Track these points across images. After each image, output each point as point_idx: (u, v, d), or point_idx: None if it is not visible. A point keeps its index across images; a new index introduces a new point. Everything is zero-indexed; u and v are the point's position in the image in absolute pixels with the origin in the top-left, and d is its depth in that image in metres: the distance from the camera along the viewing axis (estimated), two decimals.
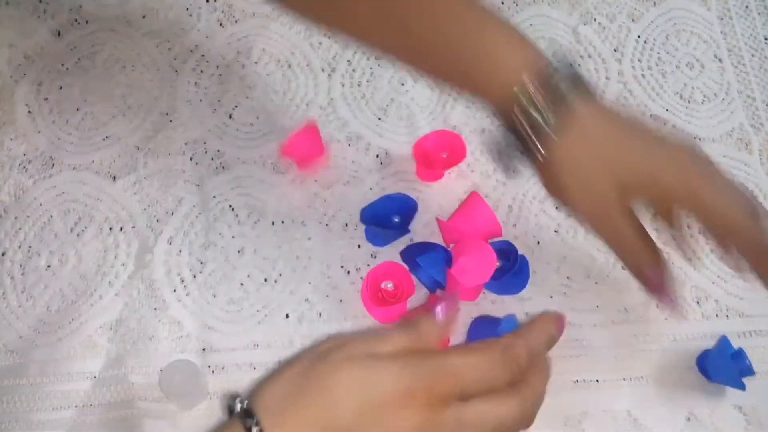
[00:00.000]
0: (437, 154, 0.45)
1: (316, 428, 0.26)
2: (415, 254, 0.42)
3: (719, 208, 0.32)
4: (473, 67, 0.34)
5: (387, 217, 0.44)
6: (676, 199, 0.33)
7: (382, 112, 0.49)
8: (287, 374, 0.28)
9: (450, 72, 0.35)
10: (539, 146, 0.33)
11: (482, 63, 0.34)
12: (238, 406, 0.27)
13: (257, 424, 0.26)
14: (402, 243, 0.45)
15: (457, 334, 0.42)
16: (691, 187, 0.32)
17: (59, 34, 0.52)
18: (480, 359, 0.28)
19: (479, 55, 0.34)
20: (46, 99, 0.50)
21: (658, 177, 0.33)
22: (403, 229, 0.44)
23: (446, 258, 0.42)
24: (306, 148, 0.45)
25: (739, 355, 0.40)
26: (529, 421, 0.29)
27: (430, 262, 0.41)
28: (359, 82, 0.51)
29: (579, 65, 0.35)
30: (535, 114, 0.32)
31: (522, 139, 0.34)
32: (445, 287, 0.42)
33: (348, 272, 0.44)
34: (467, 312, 0.43)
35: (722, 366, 0.39)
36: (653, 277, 0.35)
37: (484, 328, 0.41)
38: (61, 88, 0.50)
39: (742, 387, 0.39)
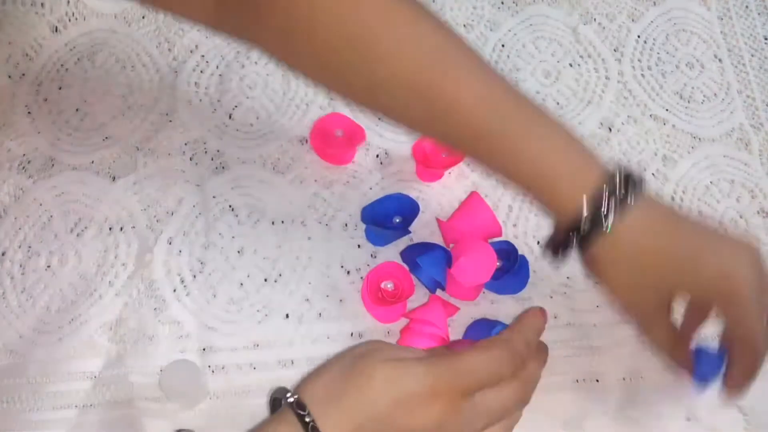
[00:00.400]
0: (437, 154, 0.45)
1: (358, 418, 0.31)
2: (415, 254, 0.42)
3: (751, 321, 0.33)
4: (534, 182, 0.34)
5: (387, 217, 0.44)
6: (718, 300, 0.34)
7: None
8: (330, 372, 0.33)
9: (509, 178, 0.35)
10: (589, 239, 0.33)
11: (544, 180, 0.34)
12: (291, 399, 0.31)
13: (309, 414, 0.30)
14: (402, 243, 0.45)
15: (455, 335, 0.42)
16: (739, 292, 0.33)
17: (57, 30, 0.52)
18: (490, 357, 0.33)
19: (541, 172, 0.33)
20: (46, 99, 0.50)
21: (708, 276, 0.33)
22: (403, 229, 0.44)
23: (446, 258, 0.42)
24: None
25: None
26: (527, 399, 0.35)
27: (430, 262, 0.41)
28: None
29: (640, 172, 0.35)
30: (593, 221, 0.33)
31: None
32: (444, 287, 0.42)
33: (348, 272, 0.44)
34: (467, 312, 0.43)
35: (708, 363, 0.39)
36: (684, 368, 0.38)
37: (479, 333, 0.41)
38: (60, 88, 0.50)
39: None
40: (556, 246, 0.35)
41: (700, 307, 0.37)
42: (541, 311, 0.38)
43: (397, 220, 0.44)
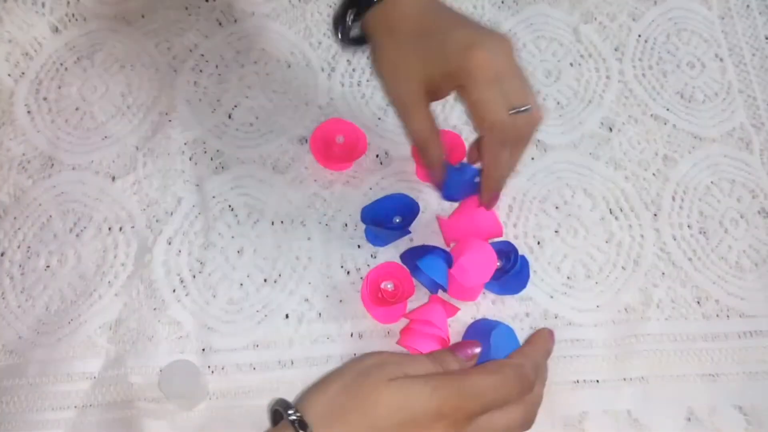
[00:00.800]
0: None
1: None
2: (415, 257, 0.42)
3: (487, 99, 0.36)
4: None
5: (387, 218, 0.44)
6: (459, 75, 0.36)
7: (382, 112, 0.49)
8: (333, 388, 0.32)
9: None
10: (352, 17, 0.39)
11: None
12: (293, 417, 0.30)
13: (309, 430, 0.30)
14: (403, 244, 0.45)
15: (455, 335, 0.42)
16: (474, 66, 0.35)
17: (57, 30, 0.52)
18: (496, 380, 0.33)
19: None
20: (45, 98, 0.50)
21: (469, 80, 0.36)
22: (403, 229, 0.43)
23: (446, 259, 0.42)
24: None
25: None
26: (531, 422, 0.34)
27: (431, 264, 0.41)
28: (359, 81, 0.51)
29: None
30: None
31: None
32: (446, 289, 0.42)
33: (348, 272, 0.44)
34: (467, 312, 0.43)
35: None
36: (435, 172, 0.42)
37: (479, 334, 0.41)
38: (60, 87, 0.50)
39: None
40: (337, 24, 0.39)
41: (446, 86, 0.38)
42: (550, 334, 0.39)
43: (397, 220, 0.44)
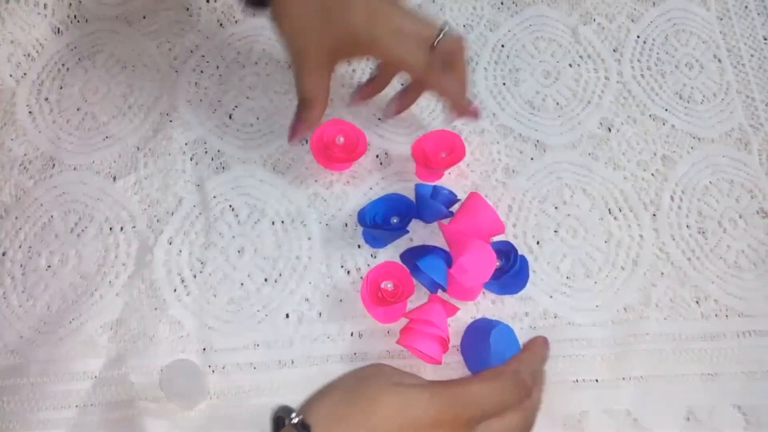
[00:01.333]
0: (436, 154, 0.45)
1: None
2: (414, 257, 0.42)
3: (408, 61, 0.39)
4: None
5: (384, 219, 0.44)
6: (364, 50, 0.40)
7: (382, 112, 0.49)
8: (335, 394, 0.33)
9: None
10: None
11: None
12: (296, 420, 0.31)
13: None
14: (402, 242, 0.45)
15: (455, 335, 0.42)
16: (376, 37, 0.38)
17: (59, 32, 0.52)
18: (494, 387, 0.33)
19: None
20: (47, 99, 0.50)
21: (374, 40, 0.38)
22: (401, 229, 0.44)
23: (446, 259, 0.42)
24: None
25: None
26: (530, 427, 0.35)
27: (431, 264, 0.41)
28: (359, 82, 0.51)
29: None
30: None
31: None
32: (446, 289, 0.42)
33: (348, 272, 0.44)
34: (467, 312, 0.43)
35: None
36: (303, 125, 0.43)
37: (479, 333, 0.41)
38: (61, 88, 0.51)
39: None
40: None
41: (352, 51, 0.41)
42: (545, 341, 0.40)
43: (395, 221, 0.44)
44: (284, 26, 0.40)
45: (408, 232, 0.44)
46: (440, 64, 0.40)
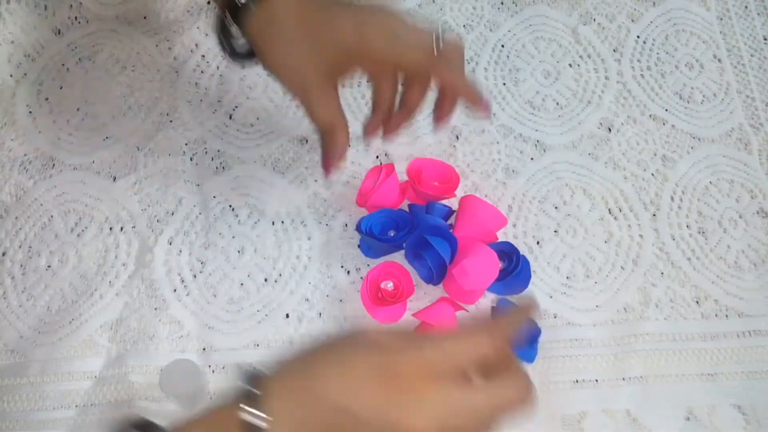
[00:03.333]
0: (429, 182, 0.45)
1: (325, 404, 0.27)
2: (421, 243, 0.42)
3: (408, 55, 0.36)
4: None
5: (382, 230, 0.44)
6: (381, 59, 0.37)
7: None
8: (304, 357, 0.30)
9: None
10: (232, 19, 0.37)
11: None
12: (248, 386, 0.28)
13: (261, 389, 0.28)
14: (394, 257, 0.44)
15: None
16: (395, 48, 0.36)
17: (60, 33, 0.52)
18: (470, 339, 0.29)
19: None
20: (47, 99, 0.50)
21: (368, 47, 0.36)
22: (396, 245, 0.43)
23: (453, 246, 0.41)
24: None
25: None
26: (528, 398, 0.30)
27: (439, 242, 0.41)
28: (359, 82, 0.51)
29: None
30: None
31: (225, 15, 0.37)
32: (441, 278, 0.42)
33: (348, 272, 0.44)
34: (469, 311, 0.43)
35: None
36: (333, 155, 0.39)
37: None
38: (61, 88, 0.51)
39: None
40: (221, 39, 0.38)
41: (347, 65, 0.38)
42: (532, 302, 0.39)
43: (392, 234, 0.44)
44: (275, 65, 0.38)
45: (403, 248, 0.44)
46: (444, 60, 0.37)
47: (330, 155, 0.39)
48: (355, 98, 0.50)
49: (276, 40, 0.37)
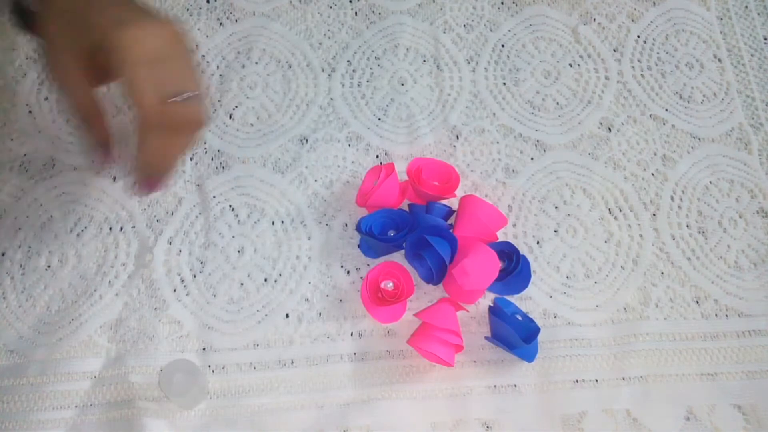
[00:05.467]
0: (429, 181, 0.45)
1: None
2: (421, 243, 0.42)
3: (137, 81, 0.33)
4: None
5: (382, 230, 0.44)
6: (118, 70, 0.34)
7: (382, 112, 0.50)
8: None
9: None
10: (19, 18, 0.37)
11: None
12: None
13: None
14: (394, 257, 0.44)
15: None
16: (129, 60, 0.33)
17: None
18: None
19: None
20: (47, 99, 0.50)
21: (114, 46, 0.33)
22: (396, 242, 0.43)
23: (453, 247, 0.41)
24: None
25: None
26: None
27: (439, 242, 0.41)
28: (359, 82, 0.51)
29: None
30: None
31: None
32: (441, 278, 0.42)
33: (348, 272, 0.44)
34: (470, 310, 0.43)
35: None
36: (100, 154, 0.40)
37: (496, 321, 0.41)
38: None
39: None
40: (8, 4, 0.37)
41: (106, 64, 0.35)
42: None
43: (392, 234, 0.44)
44: (43, 39, 0.36)
45: (402, 248, 0.44)
46: (155, 124, 0.34)
47: (95, 154, 0.40)
48: (356, 98, 0.50)
49: (48, 15, 0.36)
